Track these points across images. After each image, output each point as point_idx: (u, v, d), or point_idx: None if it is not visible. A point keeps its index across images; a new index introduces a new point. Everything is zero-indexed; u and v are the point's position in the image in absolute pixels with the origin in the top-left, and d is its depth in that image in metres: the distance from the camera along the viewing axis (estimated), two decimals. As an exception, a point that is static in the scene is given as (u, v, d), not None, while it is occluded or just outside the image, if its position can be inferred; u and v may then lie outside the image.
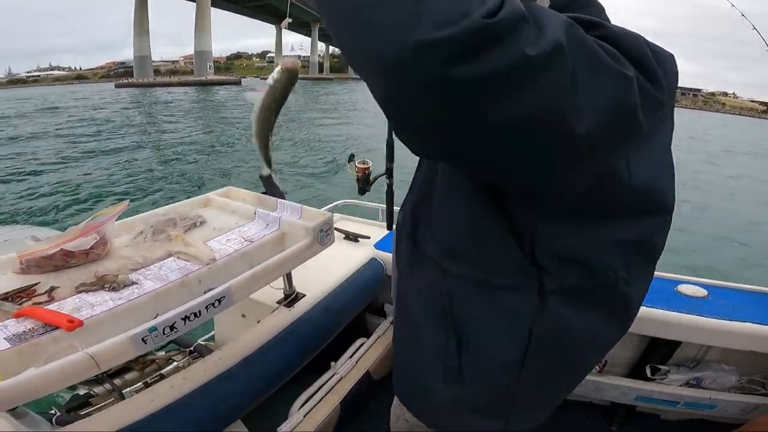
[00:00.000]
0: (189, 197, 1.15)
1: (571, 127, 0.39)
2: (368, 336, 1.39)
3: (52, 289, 0.83)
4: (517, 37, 0.35)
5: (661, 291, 1.39)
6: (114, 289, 0.81)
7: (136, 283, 0.81)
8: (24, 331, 0.71)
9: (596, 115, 0.41)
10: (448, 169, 0.59)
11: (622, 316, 0.62)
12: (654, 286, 1.39)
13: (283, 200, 1.07)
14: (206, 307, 0.73)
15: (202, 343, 1.20)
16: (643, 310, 1.21)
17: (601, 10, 0.58)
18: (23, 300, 0.81)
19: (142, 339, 0.70)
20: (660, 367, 1.41)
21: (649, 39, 0.49)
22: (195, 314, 0.72)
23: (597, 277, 0.56)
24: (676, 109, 0.53)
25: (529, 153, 0.41)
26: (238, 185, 1.23)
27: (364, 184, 1.56)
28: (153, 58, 58.75)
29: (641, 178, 0.50)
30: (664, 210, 0.55)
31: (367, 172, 1.55)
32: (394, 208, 1.65)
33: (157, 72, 66.90)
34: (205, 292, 0.79)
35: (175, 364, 1.13)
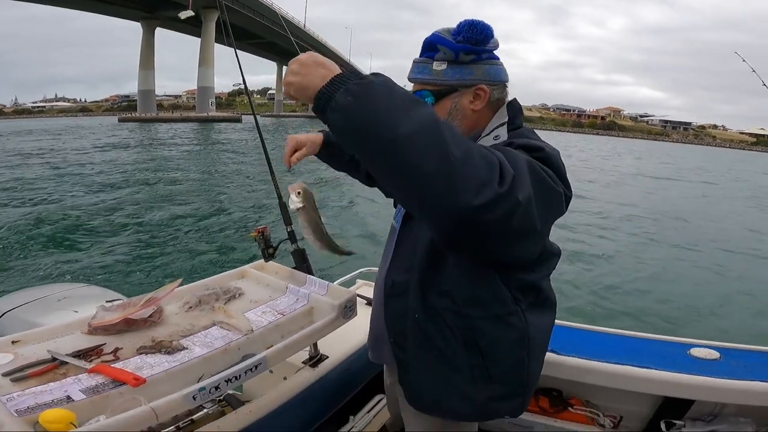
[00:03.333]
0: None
1: (536, 226, 0.73)
2: (385, 392, 1.50)
3: (117, 349, 1.01)
4: (513, 190, 0.66)
5: (673, 355, 1.45)
6: (169, 353, 1.00)
7: (187, 348, 1.01)
8: (96, 385, 0.88)
9: (546, 219, 0.80)
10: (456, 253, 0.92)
11: (554, 310, 1.04)
12: (665, 350, 1.54)
13: (312, 276, 1.28)
14: (245, 372, 0.93)
15: (231, 392, 1.37)
16: (654, 372, 1.35)
17: (531, 131, 0.97)
18: (93, 358, 0.99)
19: (193, 396, 0.88)
20: (675, 422, 1.43)
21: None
22: (236, 377, 0.92)
23: (541, 294, 0.99)
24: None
25: (518, 242, 0.78)
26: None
27: (267, 247, 1.39)
28: (156, 92, 59.62)
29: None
30: (558, 254, 1.01)
31: (265, 234, 1.40)
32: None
33: (159, 106, 67.57)
34: (243, 358, 0.99)
35: (205, 410, 1.30)
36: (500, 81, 0.99)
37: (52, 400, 0.83)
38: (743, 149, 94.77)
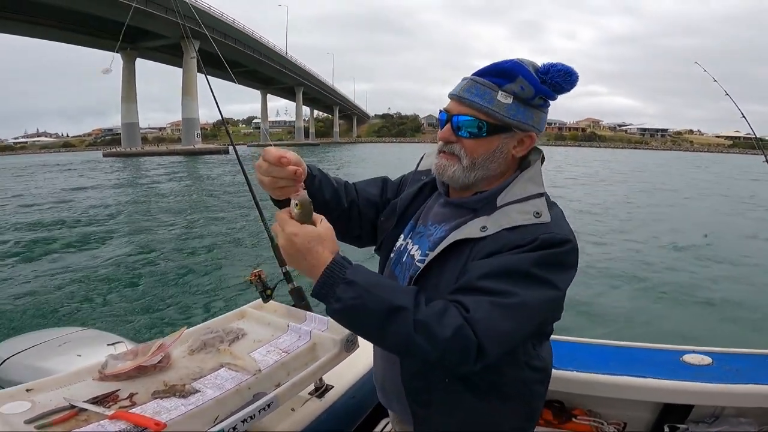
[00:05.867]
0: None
1: (541, 331, 0.99)
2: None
3: (132, 395, 1.05)
4: (493, 358, 0.79)
5: (668, 362, 1.49)
6: (183, 396, 1.04)
7: (200, 391, 1.06)
8: (120, 431, 0.92)
9: (552, 318, 0.99)
10: None
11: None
12: (660, 358, 1.59)
13: (311, 312, 1.34)
14: (259, 411, 0.98)
15: None
16: (652, 381, 1.39)
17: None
18: (110, 404, 1.02)
19: (213, 437, 0.94)
20: (678, 426, 1.46)
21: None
22: (251, 417, 0.97)
23: (548, 330, 1.03)
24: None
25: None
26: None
27: (264, 289, 1.45)
28: (140, 125, 58.95)
29: None
30: None
31: (261, 276, 1.44)
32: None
33: (144, 140, 66.25)
34: (254, 397, 1.05)
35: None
36: (542, 130, 0.92)
37: (83, 447, 0.85)
38: (721, 152, 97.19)
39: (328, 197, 1.02)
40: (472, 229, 0.87)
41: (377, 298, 0.76)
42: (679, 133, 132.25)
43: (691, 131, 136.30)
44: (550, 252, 0.81)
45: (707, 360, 1.48)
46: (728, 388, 1.35)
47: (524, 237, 0.82)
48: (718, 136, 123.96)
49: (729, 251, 8.06)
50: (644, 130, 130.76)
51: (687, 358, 1.50)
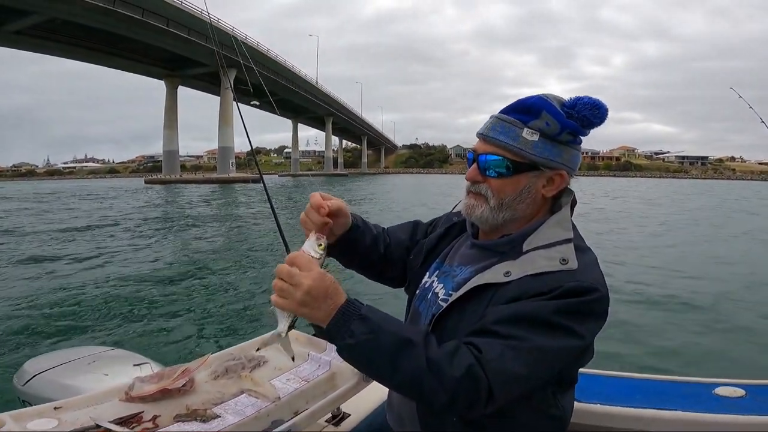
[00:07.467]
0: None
1: (562, 380, 0.92)
2: None
3: (155, 417, 1.07)
4: (502, 402, 0.78)
5: (698, 395, 1.44)
6: (204, 421, 1.05)
7: (220, 417, 1.07)
8: None
9: (577, 364, 0.93)
10: None
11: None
12: (690, 391, 1.53)
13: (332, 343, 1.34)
14: (277, 439, 0.99)
15: None
16: (681, 413, 1.34)
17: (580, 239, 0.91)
18: (134, 425, 1.04)
19: (232, 464, 0.95)
20: None
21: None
22: (269, 444, 0.98)
23: (573, 377, 0.97)
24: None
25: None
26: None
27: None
28: (180, 152, 61.51)
29: None
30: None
31: None
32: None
33: (182, 167, 69.06)
34: (272, 424, 1.05)
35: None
36: (575, 169, 0.89)
37: (105, 466, 0.87)
38: (765, 180, 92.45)
39: (368, 243, 1.09)
40: (495, 274, 0.86)
41: (389, 333, 0.77)
42: (720, 160, 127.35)
43: (732, 158, 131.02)
44: (574, 301, 0.78)
45: (740, 392, 1.42)
46: (756, 419, 1.28)
47: (548, 284, 0.80)
48: (761, 163, 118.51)
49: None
50: (683, 157, 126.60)
51: (719, 390, 1.44)
